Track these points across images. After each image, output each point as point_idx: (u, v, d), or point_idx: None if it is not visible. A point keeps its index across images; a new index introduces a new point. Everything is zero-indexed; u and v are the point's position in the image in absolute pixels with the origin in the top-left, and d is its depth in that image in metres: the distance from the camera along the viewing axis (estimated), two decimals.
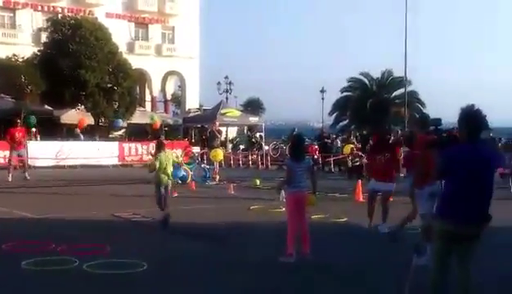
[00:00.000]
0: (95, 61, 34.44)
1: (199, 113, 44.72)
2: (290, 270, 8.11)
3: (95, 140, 31.78)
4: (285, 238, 8.55)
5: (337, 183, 20.67)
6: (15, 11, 46.27)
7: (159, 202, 11.65)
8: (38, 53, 35.82)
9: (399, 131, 23.96)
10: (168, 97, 56.55)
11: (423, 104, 54.34)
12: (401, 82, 47.77)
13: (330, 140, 32.09)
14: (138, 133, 36.67)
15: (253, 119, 40.62)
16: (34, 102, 33.42)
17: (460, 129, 5.53)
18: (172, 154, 19.62)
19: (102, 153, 28.01)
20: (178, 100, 60.62)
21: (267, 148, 34.95)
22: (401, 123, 40.38)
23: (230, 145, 37.82)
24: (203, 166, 22.67)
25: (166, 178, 11.65)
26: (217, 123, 28.26)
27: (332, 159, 28.58)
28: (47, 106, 35.38)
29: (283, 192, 10.11)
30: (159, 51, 52.79)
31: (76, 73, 33.70)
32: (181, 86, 56.78)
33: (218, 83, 50.29)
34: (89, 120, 34.90)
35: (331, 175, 26.28)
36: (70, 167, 26.47)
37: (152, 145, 21.71)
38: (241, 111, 45.12)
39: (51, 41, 35.79)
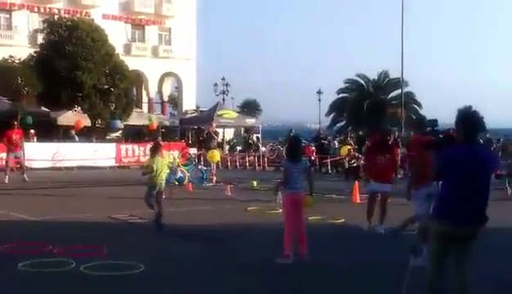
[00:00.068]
0: (91, 63, 34.42)
1: (195, 114, 44.73)
2: (288, 272, 8.11)
3: (91, 141, 31.75)
4: (282, 240, 8.55)
5: (334, 184, 20.69)
6: (11, 12, 46.24)
7: (148, 202, 11.65)
8: (35, 54, 35.79)
9: (396, 132, 24.00)
10: (165, 98, 56.57)
11: (419, 105, 54.44)
12: (398, 83, 47.87)
13: (326, 142, 32.11)
14: (135, 134, 36.67)
15: (250, 121, 40.62)
16: (31, 103, 33.39)
17: (457, 130, 5.54)
18: (169, 156, 19.73)
19: (99, 154, 27.99)
20: (175, 102, 60.65)
21: (263, 149, 34.97)
22: (397, 124, 40.43)
23: (227, 147, 37.82)
24: (200, 167, 22.65)
25: (160, 182, 11.66)
26: (214, 125, 28.26)
27: (329, 160, 28.60)
28: (43, 108, 35.34)
29: (280, 193, 10.12)
30: (156, 52, 52.79)
31: (73, 75, 33.67)
32: (178, 87, 56.81)
33: (215, 85, 50.25)
34: (86, 121, 34.87)
35: (328, 176, 26.30)
36: (67, 168, 26.45)
37: (149, 147, 21.66)
38: (238, 112, 45.12)
39: (48, 42, 35.76)
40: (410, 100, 52.30)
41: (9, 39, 44.95)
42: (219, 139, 31.20)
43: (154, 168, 11.51)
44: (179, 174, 19.21)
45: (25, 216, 12.66)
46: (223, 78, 50.92)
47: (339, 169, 27.57)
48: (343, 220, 12.46)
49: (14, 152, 21.23)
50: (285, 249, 8.48)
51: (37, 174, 21.70)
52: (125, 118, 37.52)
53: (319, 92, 56.65)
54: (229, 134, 43.60)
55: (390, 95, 55.05)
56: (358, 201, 15.74)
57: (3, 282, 7.30)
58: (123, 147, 30.11)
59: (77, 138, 31.47)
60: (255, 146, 35.83)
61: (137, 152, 29.38)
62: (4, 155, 21.78)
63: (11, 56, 34.80)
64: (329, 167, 28.63)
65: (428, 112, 49.88)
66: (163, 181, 11.88)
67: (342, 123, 55.73)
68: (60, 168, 26.28)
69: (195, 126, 39.35)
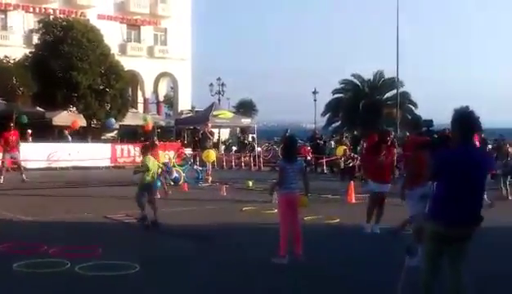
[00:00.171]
0: (87, 63, 34.37)
1: (191, 114, 44.72)
2: (283, 271, 8.11)
3: (87, 141, 31.71)
4: (277, 240, 8.56)
5: (329, 184, 20.70)
6: (6, 12, 46.10)
7: (139, 202, 11.69)
8: (30, 55, 35.73)
9: (392, 133, 23.99)
10: (161, 99, 56.52)
11: (415, 105, 54.48)
12: (393, 83, 47.93)
13: (322, 142, 32.13)
14: (130, 135, 36.63)
15: (246, 121, 40.62)
16: (26, 104, 33.32)
17: (453, 130, 5.53)
18: (165, 156, 19.71)
19: (94, 154, 27.95)
20: (171, 102, 60.60)
21: (259, 149, 34.96)
22: (393, 124, 40.48)
23: (222, 147, 37.81)
24: (195, 167, 22.65)
25: (150, 180, 11.72)
26: (210, 125, 28.28)
27: (324, 160, 28.62)
28: (38, 108, 35.27)
29: (275, 193, 10.11)
30: (152, 52, 52.74)
31: (68, 75, 33.62)
32: (174, 87, 56.77)
33: (211, 85, 50.33)
34: (81, 122, 34.81)
35: (324, 176, 26.31)
36: (62, 168, 26.40)
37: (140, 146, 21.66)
38: (233, 113, 45.12)
39: (43, 42, 35.70)
40: (405, 100, 52.36)
41: (4, 39, 44.81)
42: (215, 139, 31.17)
43: (150, 165, 11.57)
44: (175, 174, 19.19)
45: (20, 216, 12.64)
46: (219, 78, 51.05)
47: (335, 169, 27.58)
48: (338, 220, 12.47)
49: (10, 153, 21.26)
50: (281, 249, 8.49)
51: (32, 174, 21.65)
52: (120, 119, 37.48)
53: (314, 92, 56.72)
54: (224, 134, 43.59)
55: (386, 96, 55.10)
56: (353, 201, 15.76)
57: None
58: (118, 147, 30.08)
59: (70, 138, 31.43)
60: (251, 146, 35.82)
61: (133, 152, 29.32)
62: (0, 156, 21.74)
63: (6, 56, 34.73)
64: (324, 167, 28.65)
65: (422, 111, 50.07)
66: (155, 181, 11.97)
67: (337, 123, 55.75)
68: (55, 168, 26.23)
69: (191, 127, 39.34)
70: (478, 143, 14.81)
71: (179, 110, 50.83)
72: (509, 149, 18.48)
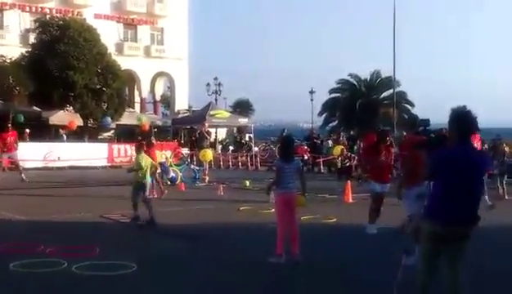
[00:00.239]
0: (83, 62, 34.34)
1: (188, 114, 44.66)
2: (280, 271, 8.12)
3: (84, 141, 31.67)
4: (274, 239, 8.56)
5: (326, 184, 20.71)
6: (2, 11, 46.00)
7: (134, 202, 11.78)
8: (26, 54, 35.68)
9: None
10: (158, 98, 56.45)
11: (412, 104, 54.47)
12: (390, 82, 47.93)
13: (319, 141, 32.12)
14: (127, 134, 36.58)
15: (243, 120, 40.61)
16: (22, 103, 33.29)
17: (451, 130, 5.52)
18: (162, 156, 19.69)
19: (91, 154, 27.92)
20: (167, 102, 60.53)
21: (256, 149, 34.95)
22: (389, 124, 40.47)
23: (219, 146, 37.80)
24: (192, 167, 22.65)
25: (144, 179, 11.82)
26: (207, 124, 28.24)
27: (321, 160, 28.63)
28: (35, 107, 35.22)
29: (272, 193, 10.11)
30: (148, 52, 52.68)
31: (64, 75, 33.59)
32: (171, 87, 56.71)
33: (207, 84, 50.19)
34: (78, 121, 34.77)
35: (321, 175, 26.32)
36: (58, 168, 26.36)
37: (144, 146, 21.64)
38: (230, 112, 45.10)
39: (39, 42, 35.65)
40: (402, 99, 52.35)
41: (0, 39, 44.65)
42: (212, 139, 31.16)
43: (143, 164, 11.68)
44: (172, 174, 19.20)
45: (17, 216, 12.62)
46: (216, 78, 50.92)
47: (332, 169, 27.60)
48: (335, 220, 12.47)
49: (8, 153, 21.32)
50: (278, 248, 8.49)
51: (29, 174, 21.61)
52: (117, 118, 37.44)
53: (311, 92, 56.70)
54: (221, 134, 43.56)
55: (382, 95, 55.10)
56: (350, 201, 15.78)
57: None
58: (115, 147, 30.05)
59: (65, 137, 31.38)
60: (248, 146, 35.81)
61: (130, 152, 29.27)
62: None
63: (2, 56, 34.70)
64: (321, 166, 28.65)
65: (419, 110, 50.08)
66: (149, 180, 12.06)
67: (334, 123, 55.73)
68: (51, 168, 26.19)
69: (188, 126, 39.30)
70: (479, 143, 14.85)
71: (176, 110, 50.77)
72: (506, 149, 18.52)
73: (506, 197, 16.79)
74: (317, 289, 7.38)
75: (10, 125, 22.65)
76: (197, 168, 22.53)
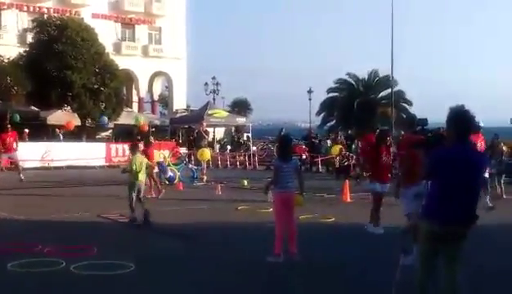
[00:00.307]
0: (81, 62, 34.31)
1: (186, 113, 44.64)
2: (278, 270, 8.12)
3: (82, 141, 31.64)
4: (272, 238, 8.56)
5: (324, 183, 20.71)
6: (0, 11, 45.93)
7: (131, 203, 11.82)
8: (24, 54, 35.65)
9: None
10: (156, 98, 56.43)
11: (410, 103, 54.49)
12: (388, 81, 47.93)
13: (317, 141, 32.13)
14: (125, 134, 36.56)
15: (241, 120, 40.60)
16: (20, 103, 33.25)
17: (449, 129, 5.51)
18: (160, 155, 19.69)
19: (89, 154, 27.90)
20: (165, 101, 60.52)
21: (254, 148, 34.94)
22: (387, 124, 40.49)
23: (217, 146, 37.80)
24: (190, 166, 22.64)
25: (140, 179, 11.87)
26: (205, 124, 28.23)
27: (320, 159, 28.63)
28: (33, 107, 35.19)
29: (271, 192, 10.11)
30: (146, 51, 52.65)
31: (62, 74, 33.56)
32: (169, 86, 56.69)
33: (205, 84, 50.24)
34: (76, 121, 34.74)
35: (319, 175, 26.33)
36: (56, 168, 26.34)
37: (139, 146, 21.63)
38: (228, 112, 45.09)
39: (37, 41, 35.61)
40: (400, 98, 52.37)
41: None
42: (210, 138, 31.15)
43: (133, 167, 11.77)
44: (169, 173, 19.19)
45: (15, 216, 12.60)
46: (214, 77, 50.99)
47: (330, 168, 27.60)
48: (333, 219, 12.47)
49: (7, 153, 21.40)
50: (276, 248, 8.49)
51: (26, 174, 21.59)
52: (115, 118, 37.41)
53: (309, 91, 56.72)
54: (219, 133, 43.55)
55: (380, 95, 55.12)
56: (349, 200, 15.78)
57: None
58: (113, 146, 30.03)
59: (61, 137, 31.35)
60: (245, 145, 35.81)
61: (128, 151, 29.26)
62: None
63: (0, 56, 34.59)
64: (319, 165, 28.66)
65: (416, 109, 50.09)
66: (143, 181, 12.10)
67: (332, 122, 55.74)
68: (49, 168, 26.17)
69: (186, 126, 39.30)
70: (482, 142, 14.85)
71: (174, 109, 50.74)
72: (504, 148, 18.51)
73: (504, 196, 16.80)
74: (315, 288, 7.38)
75: (9, 126, 22.71)
76: (195, 168, 22.53)
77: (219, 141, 40.82)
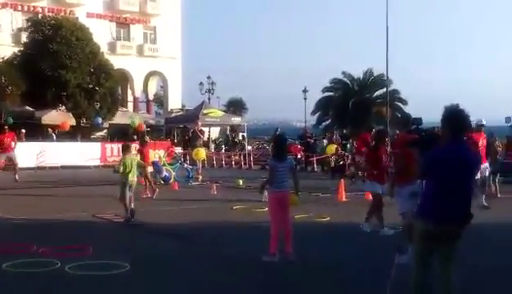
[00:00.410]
0: (76, 61, 34.26)
1: (181, 113, 44.64)
2: (274, 269, 8.13)
3: (77, 140, 31.59)
4: (268, 238, 8.56)
5: (320, 182, 20.72)
6: None
7: (124, 202, 11.92)
8: (19, 53, 35.57)
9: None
10: (151, 97, 56.38)
11: (404, 102, 54.57)
12: (383, 81, 47.98)
13: (313, 140, 32.14)
14: (120, 134, 36.52)
15: (236, 119, 40.64)
16: (15, 103, 33.16)
17: (443, 128, 5.52)
18: (155, 155, 19.69)
19: (84, 154, 27.86)
20: (160, 101, 60.48)
21: (249, 148, 34.94)
22: (382, 123, 40.53)
23: (212, 145, 37.80)
24: (185, 166, 22.62)
25: (130, 178, 11.96)
26: (200, 123, 28.23)
27: (315, 159, 28.64)
28: (27, 107, 35.11)
29: (266, 192, 10.11)
30: (141, 51, 52.60)
31: (57, 74, 33.52)
32: (164, 86, 56.65)
33: (201, 83, 50.17)
34: (71, 121, 34.67)
35: (314, 174, 26.34)
36: (51, 168, 26.29)
37: (135, 146, 21.63)
38: (224, 111, 45.09)
39: (32, 41, 35.55)
40: (395, 98, 52.45)
41: None
42: (205, 138, 31.15)
43: (121, 169, 11.86)
44: (165, 173, 19.18)
45: (10, 216, 12.57)
46: (209, 77, 50.92)
47: (325, 168, 27.61)
48: (328, 219, 12.48)
49: (5, 153, 21.44)
50: (271, 247, 8.49)
51: (21, 174, 21.55)
52: (110, 118, 37.36)
53: (305, 91, 56.75)
54: (215, 133, 43.56)
55: (375, 94, 55.19)
56: (344, 199, 15.79)
57: None
58: (108, 146, 29.98)
59: (54, 137, 31.30)
60: (241, 145, 35.81)
61: None
62: None
63: None
64: (315, 165, 28.66)
65: (411, 109, 50.14)
66: (134, 180, 12.17)
67: (327, 122, 55.78)
68: (44, 168, 26.12)
69: (181, 125, 39.30)
70: (484, 140, 14.88)
71: (169, 109, 50.73)
72: (499, 148, 18.56)
73: (499, 195, 16.84)
74: (311, 288, 7.39)
75: (6, 126, 22.84)
76: (190, 167, 22.51)
77: (214, 141, 40.80)
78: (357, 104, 50.98)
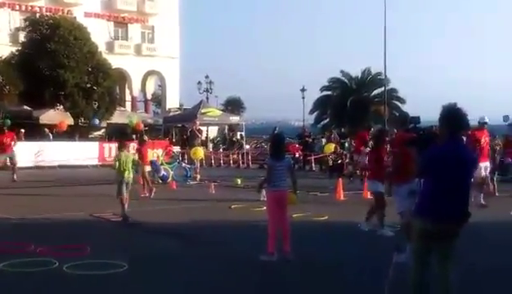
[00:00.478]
0: (74, 61, 34.22)
1: (179, 112, 44.60)
2: (272, 269, 8.12)
3: (74, 140, 31.56)
4: (266, 237, 8.56)
5: (318, 182, 20.72)
6: None
7: (121, 202, 11.97)
8: (16, 53, 35.52)
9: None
10: (149, 97, 56.36)
11: (403, 101, 54.60)
12: (381, 80, 48.01)
13: (311, 139, 32.14)
14: (118, 133, 36.47)
15: (234, 118, 40.60)
16: (12, 102, 33.12)
17: (441, 127, 5.53)
18: (153, 154, 19.69)
19: (82, 153, 27.84)
20: (159, 100, 60.45)
21: (247, 147, 34.93)
22: (381, 122, 40.56)
23: (210, 145, 37.78)
24: (183, 165, 22.62)
25: (127, 176, 12.04)
26: (198, 123, 28.22)
27: (313, 158, 28.65)
28: (25, 106, 35.07)
29: (264, 191, 10.10)
30: (139, 50, 52.58)
31: (55, 73, 33.47)
32: (162, 85, 56.65)
33: (199, 83, 50.15)
34: (69, 120, 34.65)
35: (312, 173, 26.34)
36: (49, 167, 26.26)
37: (133, 145, 21.63)
38: (222, 110, 45.07)
39: (30, 40, 35.51)
40: (393, 96, 52.49)
41: None
42: (203, 137, 31.13)
43: (116, 165, 11.98)
44: (163, 172, 19.17)
45: (7, 216, 12.55)
46: (207, 76, 50.90)
47: (323, 167, 27.61)
48: (326, 218, 12.48)
49: (5, 153, 21.53)
50: (269, 246, 8.49)
51: (19, 173, 21.54)
52: (108, 117, 37.33)
53: (303, 90, 56.73)
54: (213, 132, 43.54)
55: (373, 93, 55.22)
56: (342, 198, 15.80)
57: None
58: (106, 146, 29.95)
59: (51, 136, 31.27)
60: (239, 144, 35.80)
61: None
62: None
63: None
64: (313, 164, 28.67)
65: (409, 108, 50.15)
66: (130, 177, 12.21)
67: (325, 121, 55.80)
68: (42, 167, 26.10)
69: (179, 125, 39.24)
70: (487, 138, 14.91)
71: (167, 108, 50.69)
72: (497, 147, 18.57)
73: (497, 194, 16.86)
74: (309, 287, 7.39)
75: (5, 127, 22.90)
76: (188, 166, 22.51)
77: (212, 140, 40.78)
78: (355, 103, 51.01)
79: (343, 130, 36.36)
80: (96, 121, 35.58)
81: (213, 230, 11.26)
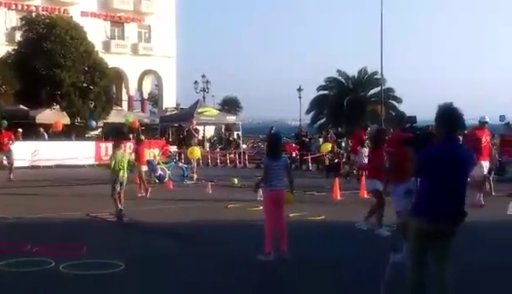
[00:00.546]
0: (70, 60, 34.17)
1: (176, 112, 44.56)
2: (269, 268, 8.12)
3: (71, 139, 31.52)
4: (263, 237, 8.56)
5: (315, 181, 20.73)
6: None
7: (114, 198, 12.07)
8: (12, 52, 35.44)
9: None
10: (145, 96, 56.32)
11: (399, 100, 54.64)
12: (378, 79, 48.07)
13: (307, 139, 32.15)
14: (115, 133, 36.41)
15: (231, 118, 40.59)
16: (9, 102, 33.05)
17: (438, 127, 5.53)
18: (150, 154, 19.67)
19: (78, 152, 27.81)
20: (155, 99, 60.41)
21: (244, 146, 34.92)
22: (377, 121, 40.59)
23: (207, 144, 37.77)
24: (180, 165, 22.60)
25: (121, 175, 12.12)
26: (195, 122, 28.21)
27: (309, 157, 28.65)
28: (22, 106, 35.00)
29: (260, 190, 10.10)
30: (136, 49, 52.54)
31: (51, 73, 33.41)
32: (158, 85, 56.62)
33: (195, 82, 50.14)
34: (65, 120, 34.59)
35: (309, 173, 26.35)
36: (46, 167, 26.23)
37: (130, 145, 21.62)
38: (218, 110, 45.05)
39: (26, 40, 35.43)
40: (389, 96, 52.52)
41: None
42: (200, 136, 31.12)
43: (112, 164, 12.05)
44: (159, 172, 19.16)
45: (4, 215, 12.52)
46: (204, 76, 50.89)
47: (320, 166, 27.62)
48: (323, 217, 12.49)
49: (2, 152, 21.57)
50: (266, 246, 8.49)
51: (15, 173, 21.51)
52: (105, 116, 37.28)
53: (299, 90, 56.74)
54: (209, 131, 43.53)
55: (370, 92, 55.25)
56: (339, 198, 15.80)
57: None
58: (102, 145, 29.92)
59: (46, 136, 31.24)
60: (236, 144, 35.81)
61: None
62: None
63: None
64: (309, 164, 28.67)
65: (406, 107, 50.17)
66: (125, 177, 12.28)
67: (322, 120, 55.81)
68: (38, 167, 26.07)
69: (176, 124, 39.20)
70: (488, 137, 14.92)
71: (164, 108, 50.67)
72: (494, 146, 18.59)
73: (493, 193, 16.88)
74: (306, 286, 7.39)
75: (3, 127, 22.89)
76: (185, 166, 22.50)
77: (209, 140, 40.78)
78: (351, 103, 51.03)
79: (339, 129, 36.37)
80: (93, 123, 35.54)
81: (210, 230, 11.25)
